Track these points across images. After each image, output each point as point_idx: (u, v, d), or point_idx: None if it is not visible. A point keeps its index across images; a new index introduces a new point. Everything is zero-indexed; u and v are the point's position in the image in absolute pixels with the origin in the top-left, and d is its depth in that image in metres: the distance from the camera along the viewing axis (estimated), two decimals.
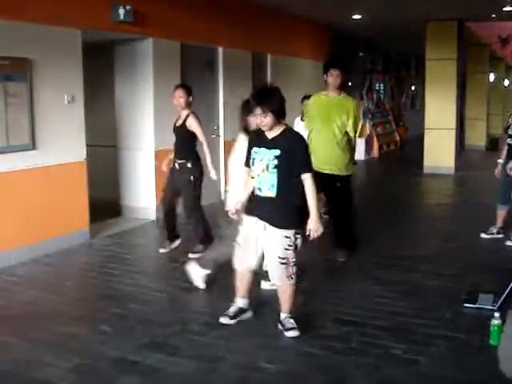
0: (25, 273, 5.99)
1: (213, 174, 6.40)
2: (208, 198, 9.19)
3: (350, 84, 16.63)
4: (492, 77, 20.29)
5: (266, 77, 11.22)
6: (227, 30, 9.63)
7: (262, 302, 5.01)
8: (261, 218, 4.33)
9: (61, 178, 6.76)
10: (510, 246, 6.77)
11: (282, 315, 4.49)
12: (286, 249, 4.28)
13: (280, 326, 4.44)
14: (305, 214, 4.29)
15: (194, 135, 6.34)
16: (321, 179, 5.86)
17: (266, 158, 4.24)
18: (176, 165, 6.41)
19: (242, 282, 4.65)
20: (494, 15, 12.37)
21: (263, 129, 4.31)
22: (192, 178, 6.33)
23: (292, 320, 4.45)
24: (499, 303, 4.72)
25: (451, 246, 6.89)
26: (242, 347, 4.24)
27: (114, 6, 7.15)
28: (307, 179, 4.28)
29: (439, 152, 13.08)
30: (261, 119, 4.24)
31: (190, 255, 6.23)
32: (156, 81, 8.15)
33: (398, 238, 6.58)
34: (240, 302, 4.69)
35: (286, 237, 4.27)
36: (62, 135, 6.73)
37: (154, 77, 8.12)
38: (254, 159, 4.32)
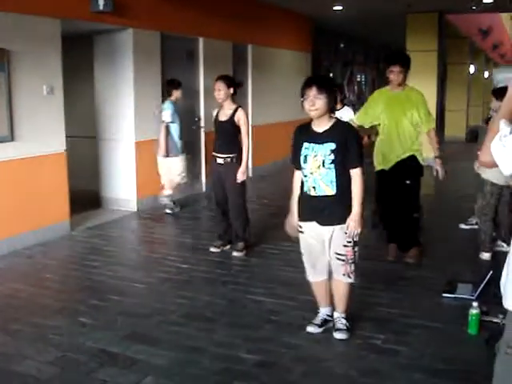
0: (5, 265, 5.95)
1: (240, 175, 6.10)
2: (189, 188, 9.21)
3: (331, 75, 16.75)
4: (472, 68, 20.42)
5: (247, 67, 11.21)
6: (208, 20, 9.59)
7: (244, 291, 5.03)
8: (322, 222, 4.06)
9: (40, 170, 6.71)
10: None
11: (335, 313, 4.30)
12: (345, 245, 4.06)
13: (332, 323, 4.30)
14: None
15: (238, 130, 6.11)
16: (387, 178, 5.77)
17: (321, 152, 3.95)
18: (220, 160, 6.13)
19: (319, 293, 4.36)
20: (474, 7, 12.44)
21: (313, 114, 3.95)
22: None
23: (345, 321, 4.25)
24: (477, 293, 4.80)
25: (431, 237, 6.92)
26: (224, 338, 4.25)
27: None
28: (358, 173, 4.02)
29: None
30: (313, 101, 3.90)
31: (235, 253, 6.20)
32: (136, 71, 8.10)
33: (377, 229, 6.60)
34: (324, 310, 4.40)
35: (345, 232, 4.03)
36: (41, 126, 6.67)
37: (134, 67, 8.07)
38: (306, 156, 4.01)
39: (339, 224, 4.03)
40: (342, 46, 17.70)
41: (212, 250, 6.34)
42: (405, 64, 5.73)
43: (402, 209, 5.86)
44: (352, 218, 4.01)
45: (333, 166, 3.94)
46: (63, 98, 6.98)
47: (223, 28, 10.09)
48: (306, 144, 4.03)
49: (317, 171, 3.98)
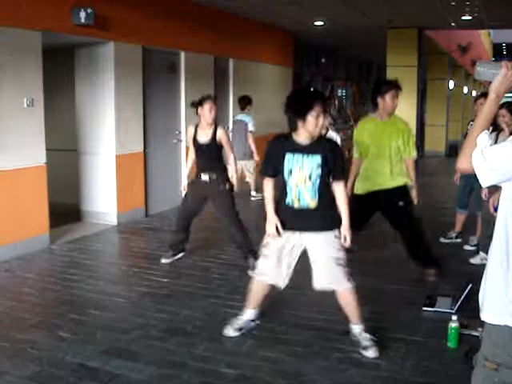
0: None
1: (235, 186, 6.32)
2: (170, 202, 9.20)
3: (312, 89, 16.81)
4: (451, 84, 20.63)
5: (229, 81, 11.25)
6: (189, 34, 9.62)
7: (224, 305, 5.01)
8: (303, 229, 4.12)
9: (20, 183, 6.66)
10: (468, 250, 6.88)
11: (354, 328, 4.25)
12: (339, 249, 4.11)
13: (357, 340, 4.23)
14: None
15: (221, 146, 6.14)
16: (375, 201, 5.73)
17: (308, 165, 3.99)
18: (205, 178, 6.13)
19: (259, 294, 4.45)
20: (453, 23, 12.60)
21: (316, 132, 3.97)
22: (227, 186, 6.16)
23: (367, 334, 4.21)
24: (457, 306, 4.82)
25: None
26: (203, 353, 4.22)
27: (75, 8, 7.07)
28: (341, 186, 4.12)
29: None
30: (320, 120, 3.93)
31: (251, 273, 6.09)
32: (117, 85, 8.09)
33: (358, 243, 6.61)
34: (249, 313, 4.53)
35: (336, 236, 4.09)
36: (22, 139, 6.62)
37: (116, 81, 8.06)
38: (291, 168, 4.03)
39: (324, 231, 4.09)
40: (323, 60, 17.82)
41: (163, 261, 6.45)
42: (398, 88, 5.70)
43: (402, 229, 5.87)
44: (343, 228, 4.09)
45: (319, 178, 3.99)
46: (44, 110, 6.94)
47: (205, 42, 10.11)
48: (289, 155, 4.03)
49: (303, 184, 4.01)
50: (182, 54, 9.61)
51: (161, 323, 4.76)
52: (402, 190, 5.74)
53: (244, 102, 10.19)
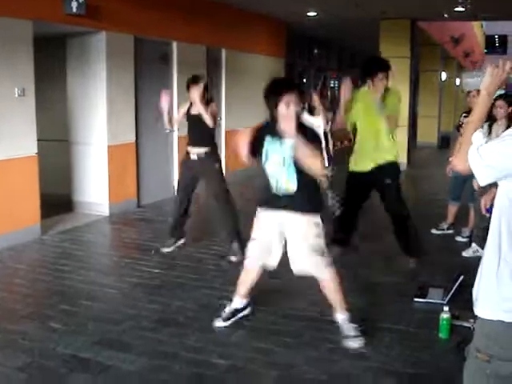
0: None
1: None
2: (162, 192, 9.18)
3: (304, 80, 16.82)
4: (444, 75, 20.66)
5: (221, 71, 11.20)
6: (182, 24, 9.57)
7: (217, 296, 5.01)
8: (284, 209, 4.11)
9: (11, 173, 6.63)
10: (460, 242, 6.89)
11: (338, 317, 4.24)
12: (318, 236, 4.09)
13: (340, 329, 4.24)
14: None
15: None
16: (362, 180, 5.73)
17: (282, 150, 4.00)
18: (194, 156, 6.19)
19: (249, 281, 4.44)
20: (446, 15, 12.59)
21: (290, 120, 3.83)
22: (218, 165, 6.25)
23: (352, 324, 4.18)
24: (448, 297, 4.84)
25: None
26: (195, 344, 4.22)
27: None
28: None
29: None
30: (291, 108, 3.92)
31: (232, 258, 6.10)
32: (109, 75, 8.04)
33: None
34: (238, 301, 4.54)
35: (316, 223, 4.10)
36: (13, 129, 6.58)
37: (107, 71, 8.01)
38: (267, 152, 4.08)
39: (303, 213, 4.09)
40: (315, 51, 17.79)
41: (166, 250, 6.42)
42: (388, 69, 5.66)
43: (392, 218, 5.89)
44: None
45: (292, 162, 3.98)
46: (35, 100, 6.90)
47: (197, 32, 10.06)
48: (268, 138, 4.07)
49: (278, 167, 4.04)
50: (175, 44, 9.56)
51: (152, 314, 4.75)
52: (392, 167, 5.75)
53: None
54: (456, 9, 11.50)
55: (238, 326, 4.49)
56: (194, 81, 6.21)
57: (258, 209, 4.29)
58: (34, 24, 6.70)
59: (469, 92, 7.14)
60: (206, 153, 6.15)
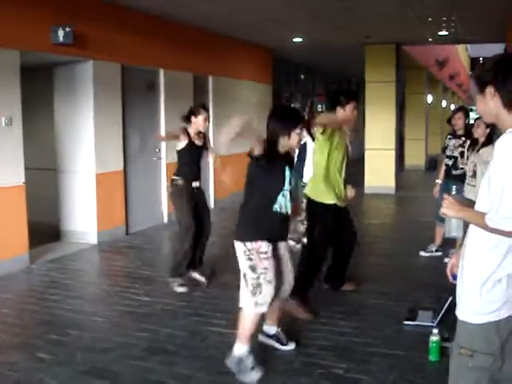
0: None
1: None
2: (151, 220, 9.18)
3: (292, 105, 16.90)
4: (430, 98, 20.85)
5: (208, 98, 11.26)
6: (168, 52, 9.64)
7: (205, 323, 4.98)
8: (280, 239, 4.27)
9: None
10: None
11: (278, 329, 4.58)
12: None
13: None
14: None
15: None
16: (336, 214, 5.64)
17: (287, 174, 4.15)
18: (196, 184, 6.18)
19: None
20: (430, 39, 12.74)
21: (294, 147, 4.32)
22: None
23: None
24: (438, 319, 4.84)
25: (392, 265, 6.99)
26: (185, 371, 4.20)
27: (54, 27, 7.05)
28: None
29: (380, 172, 13.33)
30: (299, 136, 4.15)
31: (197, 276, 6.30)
32: (96, 103, 8.06)
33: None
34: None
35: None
36: (0, 158, 6.58)
37: (95, 99, 8.04)
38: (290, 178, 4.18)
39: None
40: (302, 76, 17.93)
41: (181, 290, 6.02)
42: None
43: (344, 243, 5.87)
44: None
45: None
46: (22, 129, 6.90)
47: (184, 60, 10.14)
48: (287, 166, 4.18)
49: (287, 191, 4.14)
50: (161, 72, 9.62)
51: (141, 342, 4.72)
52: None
53: None
54: (440, 33, 11.66)
55: (228, 354, 4.46)
56: (204, 107, 6.19)
57: (261, 243, 4.05)
58: (22, 54, 6.73)
59: (454, 114, 7.15)
60: (199, 183, 6.24)
